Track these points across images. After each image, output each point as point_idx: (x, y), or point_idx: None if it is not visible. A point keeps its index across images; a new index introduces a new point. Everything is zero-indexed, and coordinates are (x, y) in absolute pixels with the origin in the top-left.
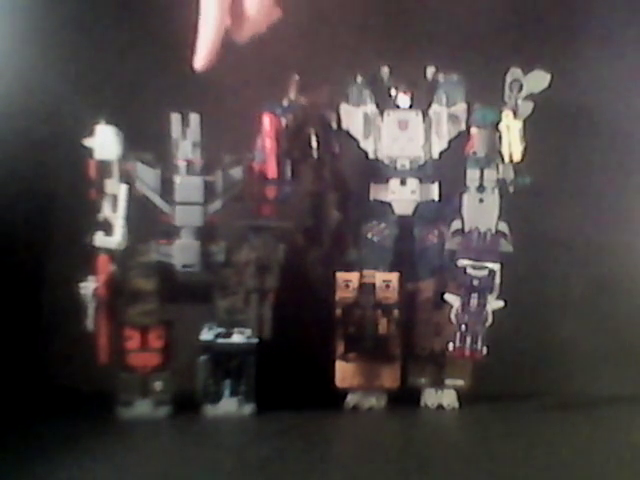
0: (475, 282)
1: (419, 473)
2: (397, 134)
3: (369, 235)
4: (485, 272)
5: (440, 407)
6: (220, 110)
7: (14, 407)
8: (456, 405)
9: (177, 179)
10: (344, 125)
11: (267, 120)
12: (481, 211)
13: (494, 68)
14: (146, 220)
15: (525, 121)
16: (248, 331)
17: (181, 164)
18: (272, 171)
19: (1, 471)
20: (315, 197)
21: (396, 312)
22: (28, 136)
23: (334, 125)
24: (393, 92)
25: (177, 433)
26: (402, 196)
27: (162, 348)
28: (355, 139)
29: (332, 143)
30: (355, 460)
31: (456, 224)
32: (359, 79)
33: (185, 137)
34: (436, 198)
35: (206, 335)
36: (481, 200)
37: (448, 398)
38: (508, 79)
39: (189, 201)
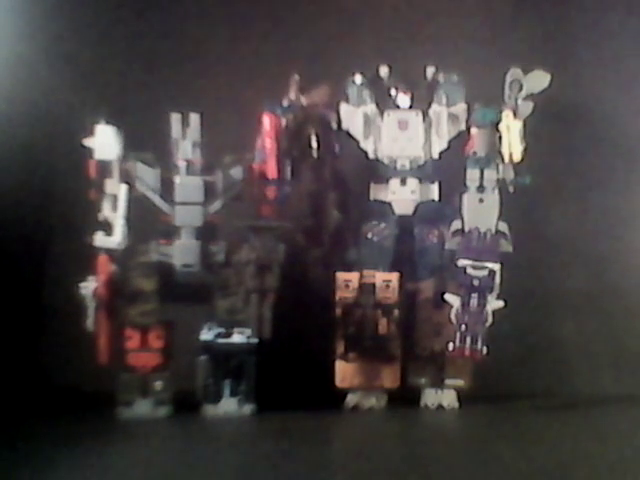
0: (475, 282)
1: (419, 473)
2: (397, 134)
3: (369, 235)
4: (485, 272)
5: (440, 407)
6: (220, 110)
7: (14, 407)
8: (456, 405)
9: (177, 179)
10: (344, 125)
11: (267, 120)
12: (481, 211)
13: (494, 68)
14: (146, 220)
15: (525, 121)
16: (248, 331)
17: (181, 164)
18: (272, 171)
19: (1, 471)
20: (315, 197)
21: (396, 312)
22: (28, 136)
23: (334, 125)
24: (393, 92)
25: (177, 433)
26: (402, 196)
27: (162, 348)
28: (355, 139)
29: (332, 143)
30: (355, 460)
31: (456, 224)
32: (359, 79)
33: (185, 137)
34: (436, 198)
35: (206, 335)
36: (481, 200)
37: (448, 398)
38: (508, 79)
39: (189, 201)
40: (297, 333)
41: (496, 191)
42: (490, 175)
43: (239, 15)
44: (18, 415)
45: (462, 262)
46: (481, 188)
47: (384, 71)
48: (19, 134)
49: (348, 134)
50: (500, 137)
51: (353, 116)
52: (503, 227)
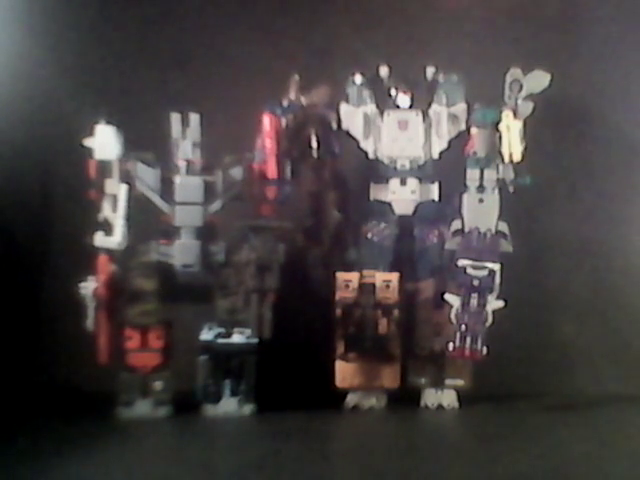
0: (475, 282)
1: (419, 473)
2: (397, 134)
3: (369, 235)
4: (485, 272)
5: (440, 407)
6: (220, 110)
7: (14, 407)
8: (456, 405)
9: (177, 179)
10: (344, 125)
11: (267, 120)
12: (481, 211)
13: (494, 68)
14: (146, 220)
15: (525, 121)
16: (248, 331)
17: (181, 164)
18: (272, 171)
19: (1, 471)
20: (315, 197)
21: (396, 312)
22: (28, 136)
23: (334, 125)
24: (393, 92)
25: (177, 433)
26: (402, 196)
27: (162, 348)
28: (355, 139)
29: (332, 143)
30: (355, 460)
31: (456, 224)
32: (359, 79)
33: (185, 137)
34: (436, 198)
35: (206, 335)
36: (481, 200)
37: (448, 398)
38: (508, 79)
39: (189, 201)
40: (297, 333)
41: (496, 191)
42: (490, 175)
43: (239, 15)
44: (18, 415)
45: (462, 262)
46: (481, 188)
47: (384, 71)
48: (19, 134)
49: (348, 134)
50: (500, 137)
51: (353, 116)
52: (503, 227)
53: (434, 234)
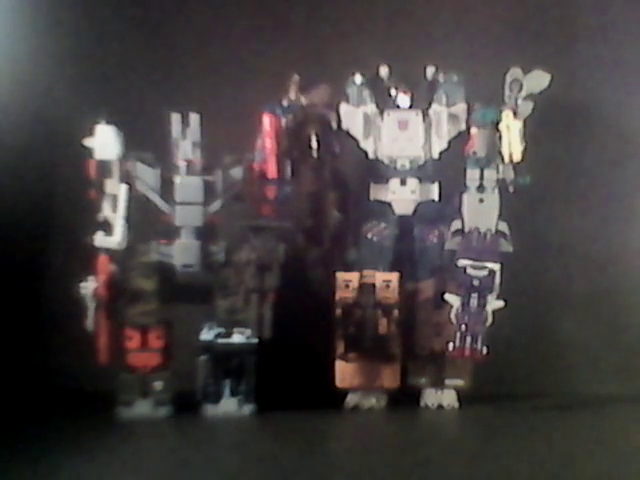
0: (475, 282)
1: (419, 473)
2: (397, 134)
3: (369, 235)
4: (485, 272)
5: (440, 407)
6: (220, 110)
7: (15, 407)
8: (456, 405)
9: (177, 179)
10: (344, 125)
11: (267, 120)
12: (481, 211)
13: (494, 68)
14: (146, 220)
15: (525, 121)
16: (248, 331)
17: (181, 164)
18: (272, 171)
19: (2, 471)
20: (315, 197)
21: (396, 312)
22: (29, 136)
23: (334, 125)
24: (393, 92)
25: (177, 433)
26: (402, 196)
27: (162, 348)
28: (355, 139)
29: (332, 143)
30: (355, 460)
31: (456, 224)
32: (359, 79)
33: (185, 137)
34: (436, 198)
35: (206, 335)
36: (481, 200)
37: (448, 398)
38: (508, 79)
39: (189, 201)
40: (297, 333)
41: (496, 191)
42: (490, 175)
43: (239, 15)
44: (18, 415)
45: (462, 262)
46: (481, 188)
47: (384, 71)
48: (19, 134)
49: (348, 134)
50: (500, 137)
51: (353, 116)
52: (503, 227)
53: (434, 234)
